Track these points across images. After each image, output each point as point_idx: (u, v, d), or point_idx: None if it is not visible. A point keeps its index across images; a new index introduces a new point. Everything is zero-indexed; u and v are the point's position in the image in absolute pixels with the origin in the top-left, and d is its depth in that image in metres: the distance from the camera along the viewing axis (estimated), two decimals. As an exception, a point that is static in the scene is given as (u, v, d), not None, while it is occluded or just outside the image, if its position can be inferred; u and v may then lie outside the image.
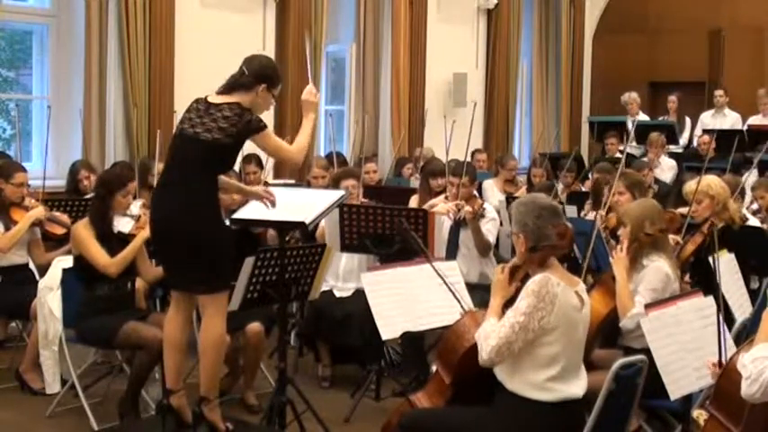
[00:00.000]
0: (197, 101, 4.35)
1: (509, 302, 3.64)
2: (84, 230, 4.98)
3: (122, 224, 5.09)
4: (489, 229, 6.06)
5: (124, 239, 5.04)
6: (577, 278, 3.75)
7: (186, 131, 4.27)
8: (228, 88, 4.31)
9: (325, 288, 5.47)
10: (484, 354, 3.52)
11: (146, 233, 4.93)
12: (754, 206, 6.78)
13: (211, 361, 4.36)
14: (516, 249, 3.71)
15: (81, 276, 5.01)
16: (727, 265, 4.83)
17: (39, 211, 5.71)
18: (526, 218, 3.62)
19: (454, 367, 3.79)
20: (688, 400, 4.03)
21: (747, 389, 2.99)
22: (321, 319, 5.72)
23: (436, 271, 4.34)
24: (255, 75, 4.31)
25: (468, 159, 6.77)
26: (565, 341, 3.53)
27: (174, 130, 4.54)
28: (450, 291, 4.23)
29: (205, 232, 4.22)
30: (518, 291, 3.64)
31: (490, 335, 3.52)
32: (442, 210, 5.95)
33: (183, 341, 4.44)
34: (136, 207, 5.38)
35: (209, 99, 4.31)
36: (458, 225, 6.05)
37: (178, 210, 4.22)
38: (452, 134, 7.18)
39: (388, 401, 5.30)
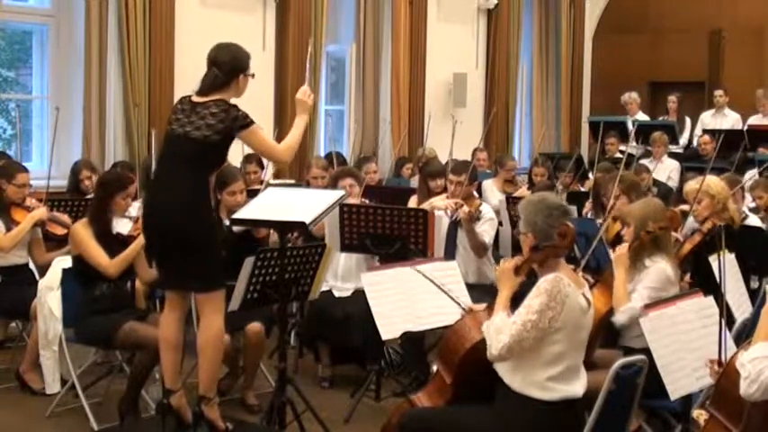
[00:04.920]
0: (181, 101, 4.36)
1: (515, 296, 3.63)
2: (83, 230, 4.99)
3: (121, 226, 5.10)
4: (486, 229, 6.01)
5: (123, 241, 5.04)
6: (583, 280, 3.75)
7: (176, 131, 4.27)
8: (208, 91, 4.28)
9: (324, 288, 5.46)
10: (494, 350, 3.51)
11: None
12: (752, 205, 6.77)
13: (210, 359, 4.37)
14: (523, 248, 3.70)
15: (80, 276, 5.01)
16: (727, 265, 4.82)
17: (41, 212, 5.72)
18: (536, 217, 3.62)
19: (455, 367, 3.79)
20: (688, 400, 4.03)
21: (746, 389, 2.99)
22: (321, 319, 5.72)
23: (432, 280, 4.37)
24: (229, 71, 4.29)
25: (467, 159, 6.75)
26: (569, 341, 3.54)
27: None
28: (448, 296, 4.24)
29: (199, 229, 4.23)
30: (523, 285, 3.64)
31: (502, 330, 3.50)
32: (441, 205, 5.92)
33: (178, 340, 4.43)
34: (134, 209, 5.39)
35: (194, 99, 4.30)
36: (455, 224, 6.03)
37: (172, 207, 4.23)
38: (454, 134, 7.17)
39: (388, 401, 5.29)
